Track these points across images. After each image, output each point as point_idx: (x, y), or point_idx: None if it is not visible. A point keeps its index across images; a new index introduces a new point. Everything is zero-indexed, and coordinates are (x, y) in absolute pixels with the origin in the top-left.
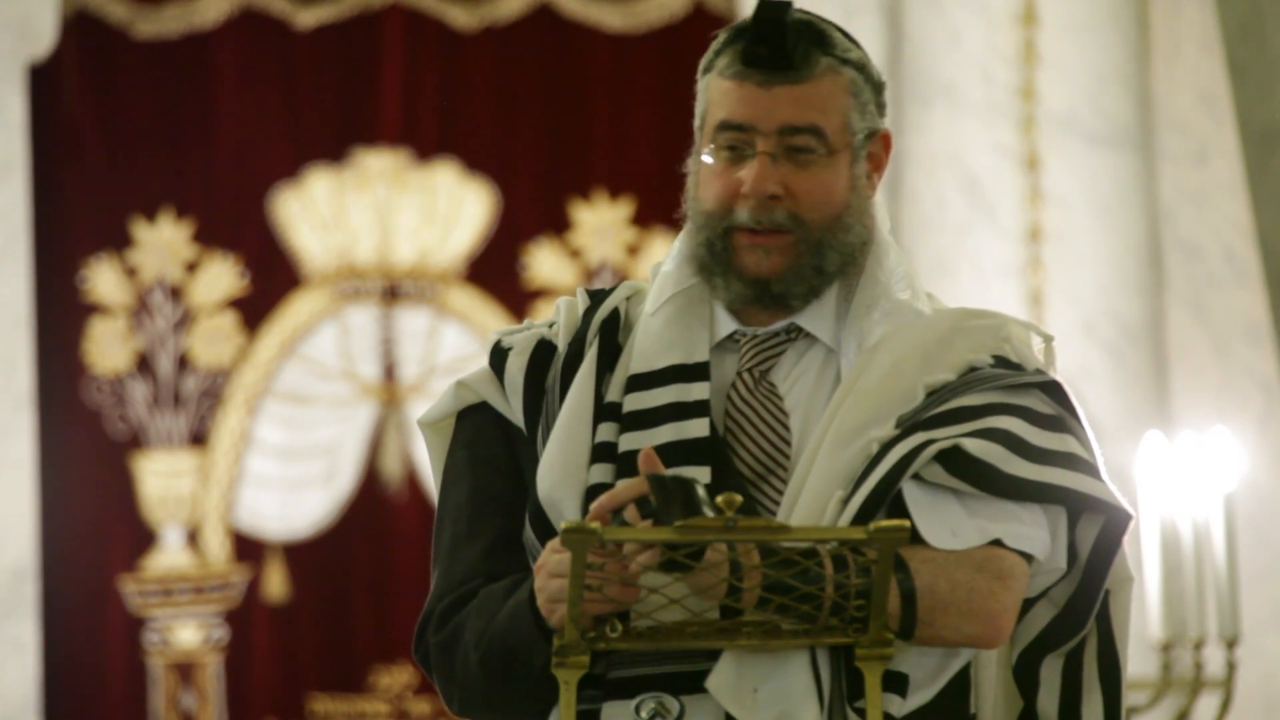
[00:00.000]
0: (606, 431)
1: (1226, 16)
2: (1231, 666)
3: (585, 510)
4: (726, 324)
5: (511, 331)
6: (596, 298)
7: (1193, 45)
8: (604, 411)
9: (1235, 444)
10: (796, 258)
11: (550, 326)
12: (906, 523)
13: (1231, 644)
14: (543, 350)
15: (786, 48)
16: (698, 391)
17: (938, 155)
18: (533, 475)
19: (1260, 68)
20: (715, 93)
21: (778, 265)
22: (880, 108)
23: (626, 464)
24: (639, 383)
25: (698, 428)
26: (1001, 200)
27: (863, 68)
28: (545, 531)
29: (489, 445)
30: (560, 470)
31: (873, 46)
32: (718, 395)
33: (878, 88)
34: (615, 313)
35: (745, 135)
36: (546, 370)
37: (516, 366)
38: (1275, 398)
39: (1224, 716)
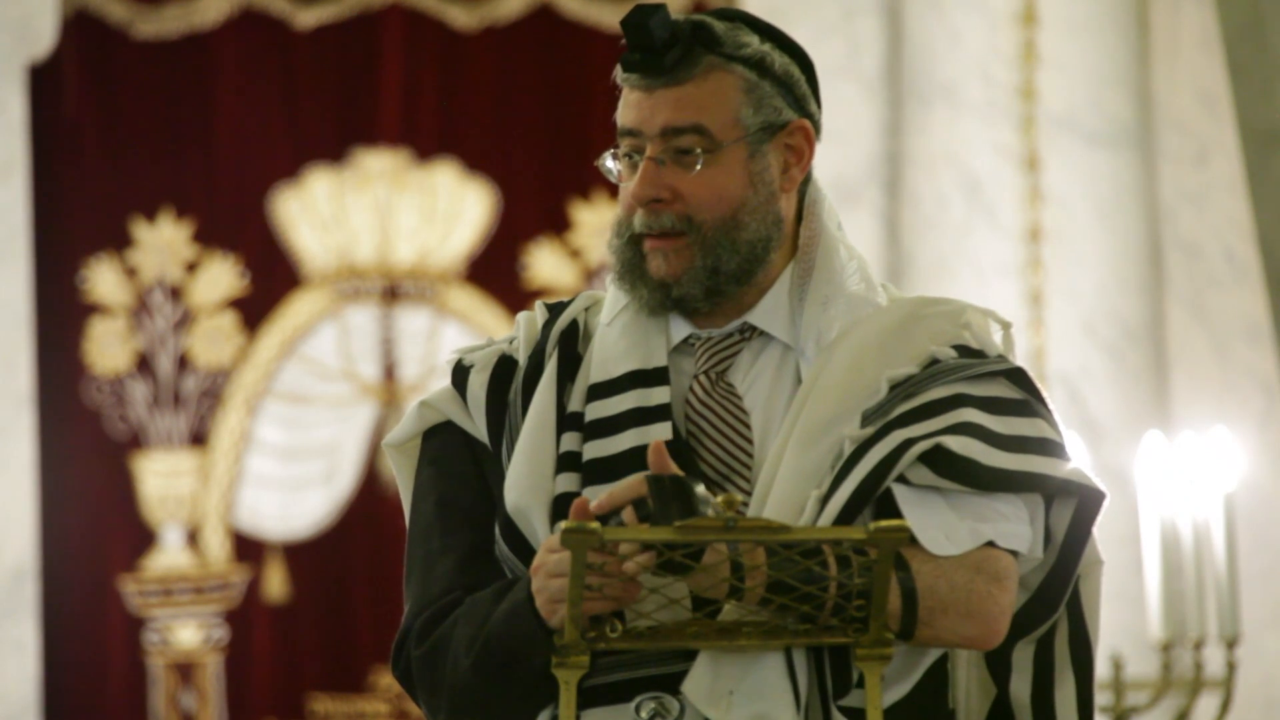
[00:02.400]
0: (570, 441)
1: (1226, 16)
2: (1231, 666)
3: (554, 520)
4: (681, 328)
5: (472, 349)
6: (555, 310)
7: (1193, 45)
8: (567, 422)
9: (1235, 444)
10: (691, 260)
11: (510, 342)
12: (907, 523)
13: (1231, 644)
14: (504, 366)
15: (657, 52)
16: (658, 396)
17: (938, 155)
18: (500, 489)
19: (1260, 68)
20: (621, 98)
21: (676, 269)
22: (797, 99)
23: (591, 473)
24: (599, 391)
25: (660, 432)
26: (1001, 200)
27: (760, 62)
28: (517, 543)
29: (455, 462)
30: (527, 481)
31: (873, 46)
32: (677, 399)
33: (786, 79)
34: (574, 323)
35: (637, 141)
36: (508, 385)
37: (478, 383)
38: (1275, 398)
39: (1224, 716)
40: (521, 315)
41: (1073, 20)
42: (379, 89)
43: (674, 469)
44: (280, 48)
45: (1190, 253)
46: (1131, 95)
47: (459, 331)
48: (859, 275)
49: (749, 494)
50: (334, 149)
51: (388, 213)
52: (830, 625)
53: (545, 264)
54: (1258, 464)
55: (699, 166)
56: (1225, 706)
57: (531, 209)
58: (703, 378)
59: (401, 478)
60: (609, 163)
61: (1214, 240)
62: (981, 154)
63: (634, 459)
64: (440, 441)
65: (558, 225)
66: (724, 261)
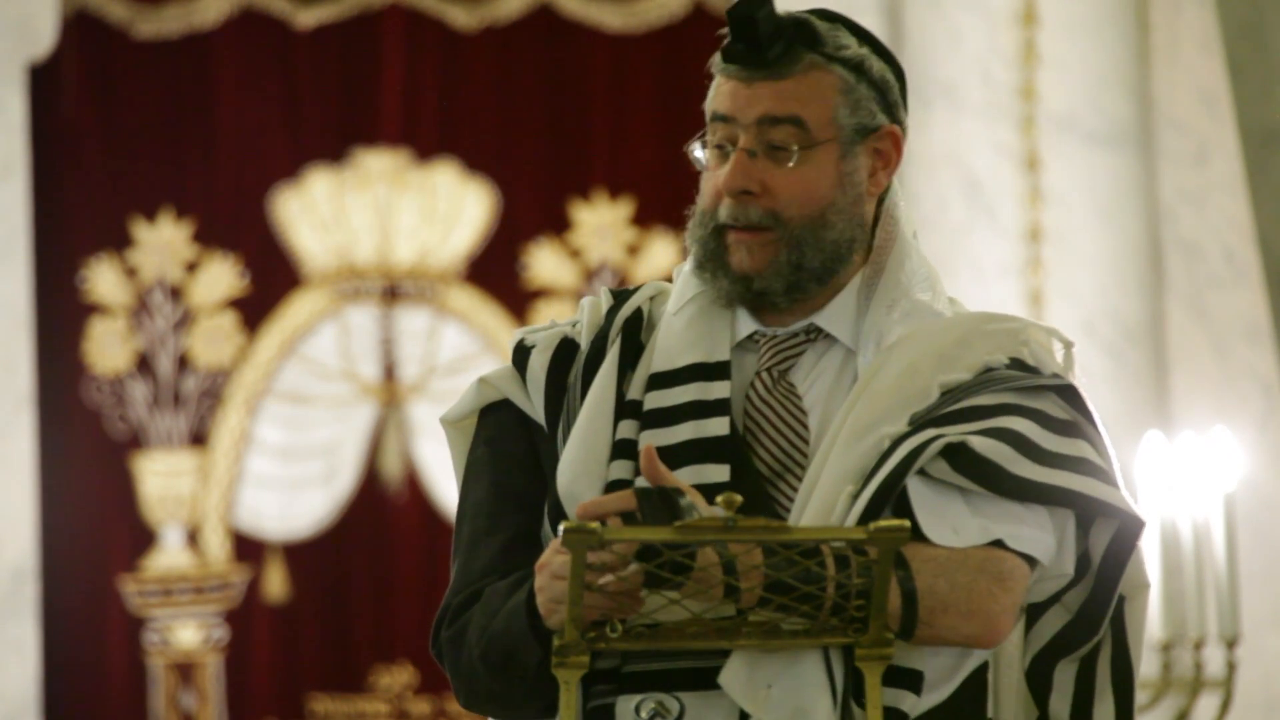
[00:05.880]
0: (627, 429)
1: (1226, 16)
2: (1231, 666)
3: None
4: (747, 324)
5: (534, 330)
6: (620, 297)
7: (1193, 45)
8: (625, 409)
9: (1235, 444)
10: (775, 255)
11: (573, 325)
12: (906, 523)
13: (1231, 644)
14: (565, 348)
15: (762, 45)
16: (718, 390)
17: (938, 155)
18: (553, 472)
19: (1260, 68)
20: (714, 87)
21: (759, 262)
22: (889, 105)
23: None
24: (660, 381)
25: (718, 426)
26: (1001, 200)
27: (859, 64)
28: None
29: (510, 442)
30: (581, 466)
31: None
32: (737, 394)
33: (882, 84)
34: (638, 312)
35: (729, 128)
36: (569, 368)
37: (539, 364)
38: (1275, 398)
39: (1224, 716)
40: (586, 299)
41: (1073, 20)
42: (379, 89)
43: (665, 473)
44: (280, 48)
45: (1190, 253)
46: (1131, 95)
47: (459, 331)
48: (927, 283)
49: (799, 491)
50: (334, 149)
51: (388, 213)
52: (830, 625)
53: (545, 264)
54: (1258, 464)
55: (792, 163)
56: (1225, 706)
57: (531, 209)
58: (765, 375)
59: (455, 454)
60: (698, 152)
61: (1214, 240)
62: (981, 154)
63: (690, 450)
64: (496, 420)
65: (558, 225)
66: (808, 259)
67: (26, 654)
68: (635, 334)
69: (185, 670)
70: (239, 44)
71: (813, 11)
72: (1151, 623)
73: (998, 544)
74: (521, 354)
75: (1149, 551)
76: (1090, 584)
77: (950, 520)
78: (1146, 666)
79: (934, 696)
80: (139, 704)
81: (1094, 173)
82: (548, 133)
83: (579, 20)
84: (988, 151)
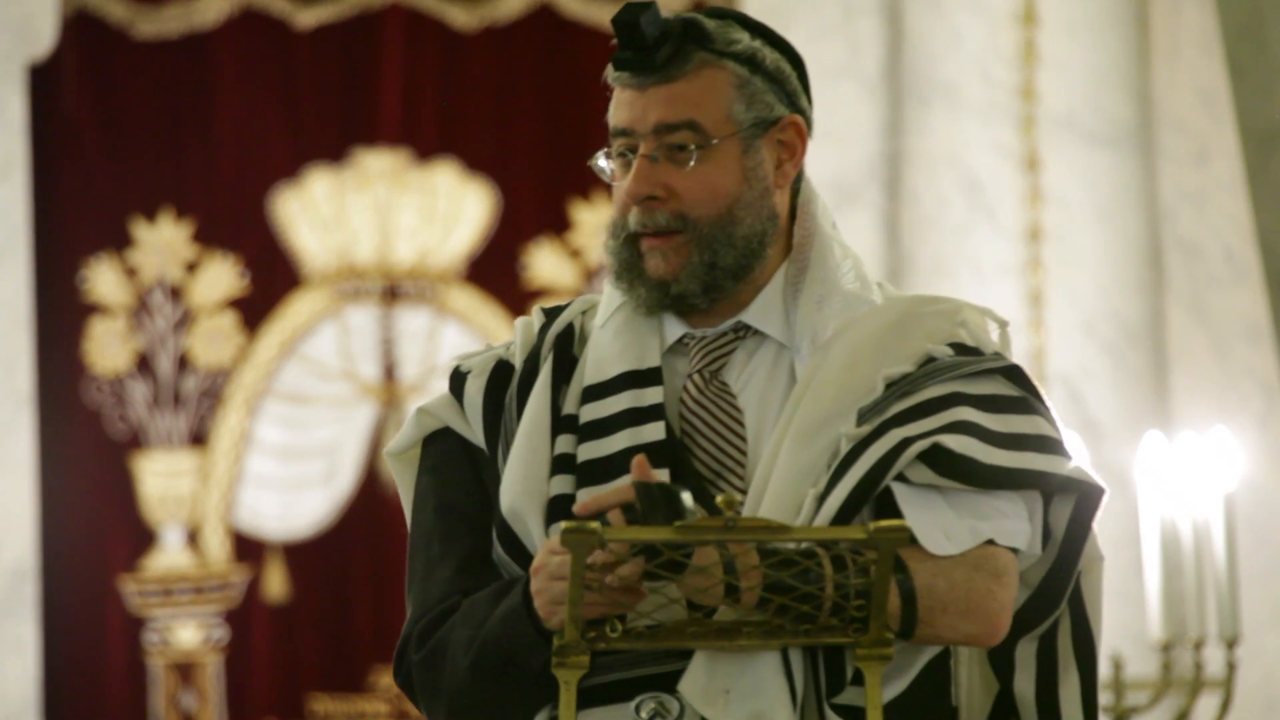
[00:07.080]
0: (565, 443)
1: (1226, 16)
2: (1231, 666)
3: (549, 521)
4: (676, 328)
5: (469, 355)
6: (552, 314)
7: (1193, 45)
8: (561, 424)
9: (1235, 444)
10: (689, 257)
11: (508, 347)
12: (905, 523)
13: (1231, 644)
14: (501, 371)
15: (649, 48)
16: (651, 396)
17: (938, 155)
18: (497, 493)
19: (1260, 68)
20: (613, 99)
21: (674, 266)
22: (789, 95)
23: (586, 474)
24: (593, 393)
25: (653, 431)
26: (1001, 200)
27: (751, 57)
28: (513, 546)
29: (454, 468)
30: (522, 483)
31: (873, 46)
32: (671, 399)
33: (778, 75)
34: (569, 327)
35: (630, 139)
36: (504, 390)
37: (475, 388)
38: (1275, 398)
39: (1224, 716)
40: (519, 321)
41: (1073, 20)
42: (379, 89)
43: (655, 479)
44: (280, 48)
45: (1190, 253)
46: (1131, 95)
47: (459, 331)
48: (854, 274)
49: (743, 492)
50: (334, 149)
51: (388, 213)
52: (830, 625)
53: (545, 264)
54: (1258, 464)
55: (692, 163)
56: (1225, 706)
57: (531, 209)
58: (696, 377)
59: (402, 485)
60: (601, 162)
61: (1214, 240)
62: (981, 154)
63: (628, 459)
64: (439, 448)
65: (558, 225)
66: (721, 257)
67: (26, 654)
68: (568, 349)
69: (185, 670)
70: (239, 44)
71: (705, 11)
72: (1152, 623)
73: (988, 542)
74: (458, 380)
75: (1149, 551)
76: (1052, 558)
77: (940, 526)
78: (1146, 666)
79: (891, 689)
80: (139, 704)
81: (1094, 173)
82: (548, 133)
83: (579, 20)
84: (988, 151)
